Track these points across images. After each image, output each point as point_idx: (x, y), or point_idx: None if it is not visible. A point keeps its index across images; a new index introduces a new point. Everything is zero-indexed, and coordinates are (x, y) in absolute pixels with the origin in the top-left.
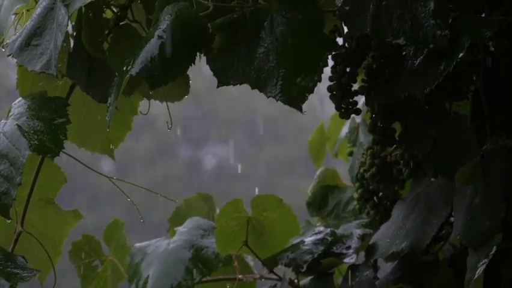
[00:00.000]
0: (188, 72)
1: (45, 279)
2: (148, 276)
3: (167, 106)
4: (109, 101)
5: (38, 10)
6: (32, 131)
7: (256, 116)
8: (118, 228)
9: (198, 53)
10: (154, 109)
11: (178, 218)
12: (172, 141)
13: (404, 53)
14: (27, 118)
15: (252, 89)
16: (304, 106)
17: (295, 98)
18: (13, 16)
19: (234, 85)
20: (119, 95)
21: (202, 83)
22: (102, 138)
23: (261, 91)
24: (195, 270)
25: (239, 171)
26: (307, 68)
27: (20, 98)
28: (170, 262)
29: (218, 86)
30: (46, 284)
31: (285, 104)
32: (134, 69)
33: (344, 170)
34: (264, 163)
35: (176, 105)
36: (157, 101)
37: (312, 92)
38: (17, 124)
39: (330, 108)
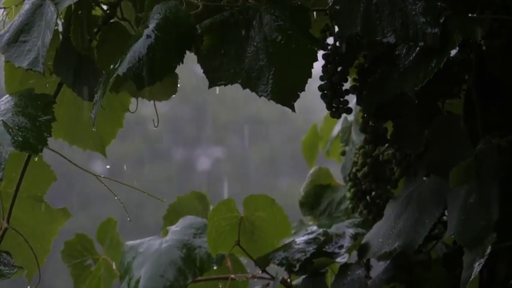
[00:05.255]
0: (180, 72)
1: (33, 277)
2: (139, 276)
3: (155, 105)
4: (95, 99)
5: (27, 6)
6: (17, 127)
7: (249, 117)
8: (111, 227)
9: (188, 52)
10: (148, 110)
11: (172, 216)
12: (165, 143)
13: (396, 53)
14: (12, 114)
15: (243, 88)
16: (299, 106)
17: (287, 96)
18: (1, 10)
19: (225, 85)
20: (105, 93)
21: (195, 83)
22: (93, 136)
23: (252, 90)
24: (187, 271)
25: (232, 172)
26: (298, 64)
27: (8, 95)
28: (162, 262)
29: (209, 87)
30: (43, 281)
31: (277, 102)
32: (121, 69)
33: (336, 170)
34: (256, 163)
35: (169, 106)
36: (151, 103)
37: (303, 89)
38: (2, 120)
39: (325, 108)
